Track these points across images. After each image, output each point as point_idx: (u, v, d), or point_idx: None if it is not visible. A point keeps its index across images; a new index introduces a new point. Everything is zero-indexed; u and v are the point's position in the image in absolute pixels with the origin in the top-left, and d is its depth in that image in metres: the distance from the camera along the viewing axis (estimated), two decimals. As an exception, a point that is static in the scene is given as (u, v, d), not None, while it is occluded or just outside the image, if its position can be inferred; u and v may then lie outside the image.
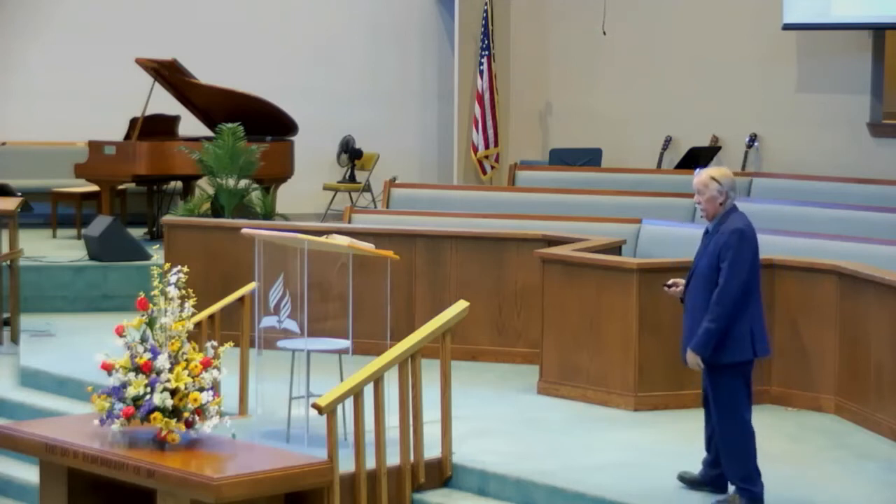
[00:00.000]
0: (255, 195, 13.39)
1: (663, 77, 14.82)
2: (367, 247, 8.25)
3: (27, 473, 8.61)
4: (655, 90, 14.88)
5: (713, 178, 7.18)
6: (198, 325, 8.25)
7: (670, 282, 7.41)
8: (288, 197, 14.46)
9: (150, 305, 7.26)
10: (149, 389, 7.07)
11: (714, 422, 7.20)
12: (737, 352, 7.06)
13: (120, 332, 7.27)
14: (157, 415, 7.04)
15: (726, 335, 7.03)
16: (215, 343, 7.47)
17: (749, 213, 11.34)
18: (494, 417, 8.81)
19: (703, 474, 7.37)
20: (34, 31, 15.62)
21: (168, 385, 7.08)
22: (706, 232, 7.27)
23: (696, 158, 14.00)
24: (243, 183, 13.16)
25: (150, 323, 7.24)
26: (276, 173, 14.07)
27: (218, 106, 13.98)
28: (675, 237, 10.45)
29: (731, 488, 7.22)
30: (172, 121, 14.62)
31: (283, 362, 8.39)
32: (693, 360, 7.05)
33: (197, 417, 7.15)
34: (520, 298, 10.30)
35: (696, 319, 7.08)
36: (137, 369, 7.13)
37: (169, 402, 7.06)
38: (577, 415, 8.91)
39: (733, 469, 7.14)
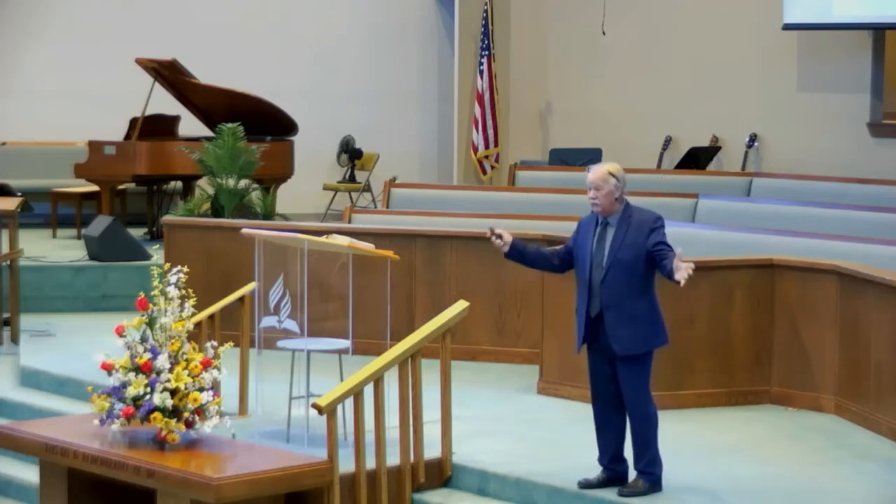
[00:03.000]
0: (255, 195, 13.39)
1: (663, 77, 14.82)
2: (367, 247, 8.25)
3: (27, 473, 8.61)
4: (655, 90, 14.88)
5: (611, 174, 7.27)
6: (198, 325, 8.25)
7: (498, 231, 7.35)
8: (288, 197, 14.46)
9: (150, 305, 7.26)
10: (149, 389, 7.07)
11: (630, 408, 7.26)
12: (663, 336, 7.30)
13: (120, 332, 7.27)
14: (157, 415, 7.04)
15: (655, 322, 7.24)
16: (215, 343, 7.47)
17: (749, 213, 11.52)
18: (494, 417, 8.81)
19: (617, 471, 7.39)
20: (34, 31, 15.62)
21: (168, 385, 7.08)
22: (601, 224, 7.25)
23: (696, 158, 14.00)
24: (243, 183, 13.16)
25: (150, 323, 7.24)
26: (276, 173, 14.07)
27: (218, 106, 13.98)
28: (676, 237, 10.41)
29: (633, 474, 7.31)
30: (172, 121, 14.62)
31: (283, 362, 8.40)
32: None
33: (197, 417, 7.15)
34: (520, 298, 10.30)
35: (623, 309, 7.15)
36: (137, 369, 7.13)
37: (169, 402, 7.06)
38: (577, 415, 8.90)
39: (644, 454, 7.27)
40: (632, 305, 7.17)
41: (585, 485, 7.35)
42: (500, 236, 7.33)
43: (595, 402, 7.42)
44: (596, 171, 7.28)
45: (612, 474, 7.37)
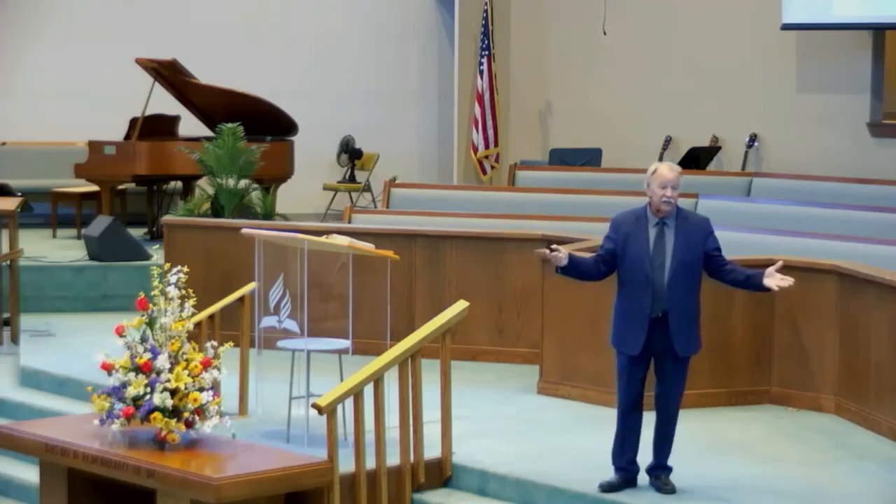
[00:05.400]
0: (255, 195, 13.39)
1: (663, 77, 14.82)
2: (367, 247, 8.25)
3: (27, 473, 8.61)
4: (655, 90, 14.87)
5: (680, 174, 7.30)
6: (198, 325, 8.25)
7: (554, 247, 7.21)
8: (288, 197, 14.46)
9: (150, 305, 7.26)
10: (149, 389, 7.07)
11: (670, 408, 7.36)
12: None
13: (120, 332, 7.27)
14: (157, 415, 7.04)
15: (698, 326, 7.29)
16: (215, 343, 7.47)
17: (749, 213, 11.53)
18: (494, 417, 8.82)
19: (634, 471, 7.41)
20: (34, 31, 15.62)
21: (168, 385, 7.08)
22: (658, 224, 7.22)
23: (697, 158, 14.00)
24: (243, 183, 13.16)
25: (150, 323, 7.24)
26: (276, 173, 14.07)
27: (218, 106, 13.98)
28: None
29: (650, 473, 7.38)
30: (172, 121, 14.62)
31: (283, 362, 8.39)
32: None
33: (197, 417, 7.15)
34: (520, 298, 10.30)
35: (685, 310, 7.20)
36: (137, 369, 7.13)
37: (169, 402, 7.06)
38: (577, 415, 8.91)
39: (669, 450, 7.39)
40: (690, 307, 7.23)
41: (608, 487, 7.33)
42: (557, 251, 7.16)
43: (625, 404, 7.37)
44: (673, 170, 7.22)
45: (630, 475, 7.38)
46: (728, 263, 7.29)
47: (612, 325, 7.41)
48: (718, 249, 7.29)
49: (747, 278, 7.24)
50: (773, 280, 7.14)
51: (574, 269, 7.27)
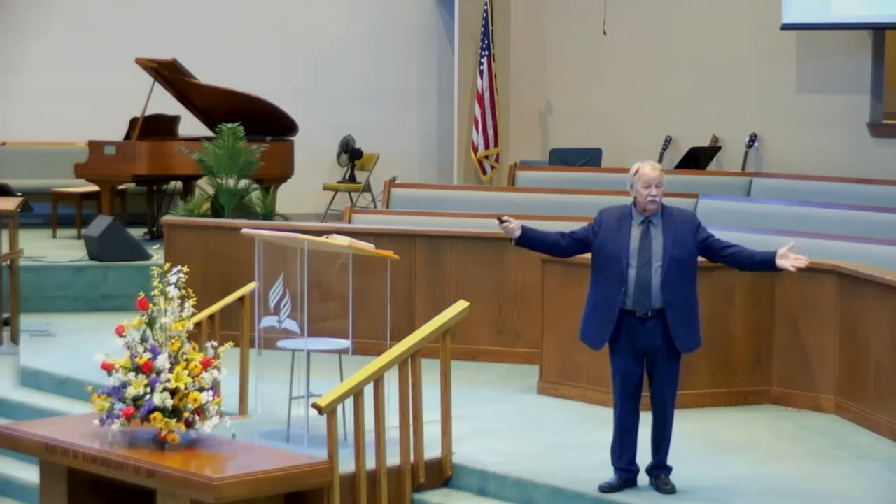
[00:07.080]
0: (255, 195, 13.39)
1: (663, 77, 14.81)
2: (367, 247, 8.25)
3: (27, 473, 8.61)
4: (655, 90, 14.87)
5: (663, 172, 7.32)
6: (198, 325, 8.25)
7: (506, 217, 7.26)
8: (288, 197, 14.46)
9: (150, 305, 7.27)
10: (149, 389, 7.08)
11: (667, 405, 7.34)
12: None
13: (120, 332, 7.27)
14: (157, 415, 7.05)
15: (698, 322, 7.28)
16: (215, 343, 7.48)
17: (749, 213, 11.52)
18: (494, 417, 8.82)
19: (634, 472, 7.40)
20: (35, 31, 15.62)
21: (168, 385, 7.08)
22: (643, 222, 7.22)
23: (696, 158, 14.00)
24: (243, 183, 13.16)
25: (150, 323, 7.24)
26: (276, 173, 14.07)
27: (218, 106, 13.99)
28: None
29: (650, 473, 7.37)
30: (172, 121, 14.62)
31: (283, 362, 8.40)
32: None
33: (197, 417, 7.15)
34: (520, 298, 10.30)
35: (682, 307, 7.18)
36: (137, 369, 7.13)
37: (169, 402, 7.06)
38: (577, 415, 8.92)
39: (666, 448, 7.37)
40: (688, 303, 7.22)
41: (608, 488, 7.32)
42: (508, 221, 7.21)
43: (622, 404, 7.36)
44: (655, 168, 7.27)
45: (629, 476, 7.37)
46: (728, 246, 7.25)
47: (582, 318, 7.40)
48: (711, 235, 7.27)
49: (753, 258, 7.19)
50: (787, 261, 7.08)
51: (531, 242, 7.33)
